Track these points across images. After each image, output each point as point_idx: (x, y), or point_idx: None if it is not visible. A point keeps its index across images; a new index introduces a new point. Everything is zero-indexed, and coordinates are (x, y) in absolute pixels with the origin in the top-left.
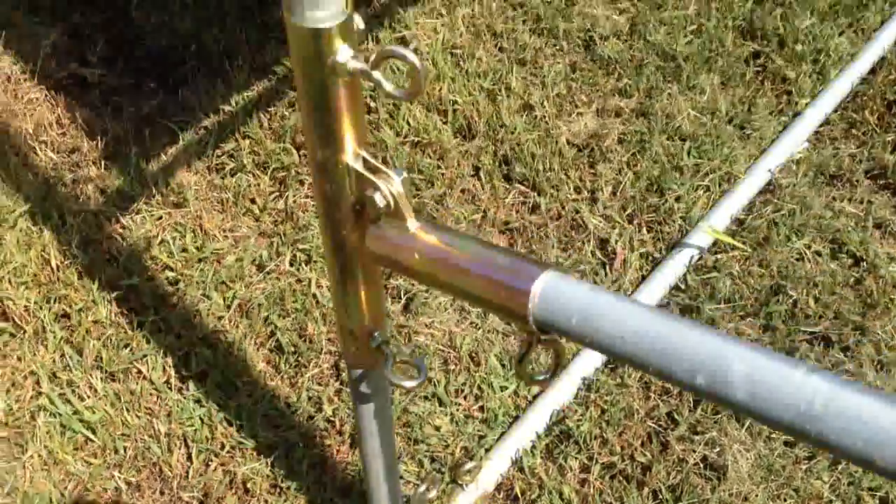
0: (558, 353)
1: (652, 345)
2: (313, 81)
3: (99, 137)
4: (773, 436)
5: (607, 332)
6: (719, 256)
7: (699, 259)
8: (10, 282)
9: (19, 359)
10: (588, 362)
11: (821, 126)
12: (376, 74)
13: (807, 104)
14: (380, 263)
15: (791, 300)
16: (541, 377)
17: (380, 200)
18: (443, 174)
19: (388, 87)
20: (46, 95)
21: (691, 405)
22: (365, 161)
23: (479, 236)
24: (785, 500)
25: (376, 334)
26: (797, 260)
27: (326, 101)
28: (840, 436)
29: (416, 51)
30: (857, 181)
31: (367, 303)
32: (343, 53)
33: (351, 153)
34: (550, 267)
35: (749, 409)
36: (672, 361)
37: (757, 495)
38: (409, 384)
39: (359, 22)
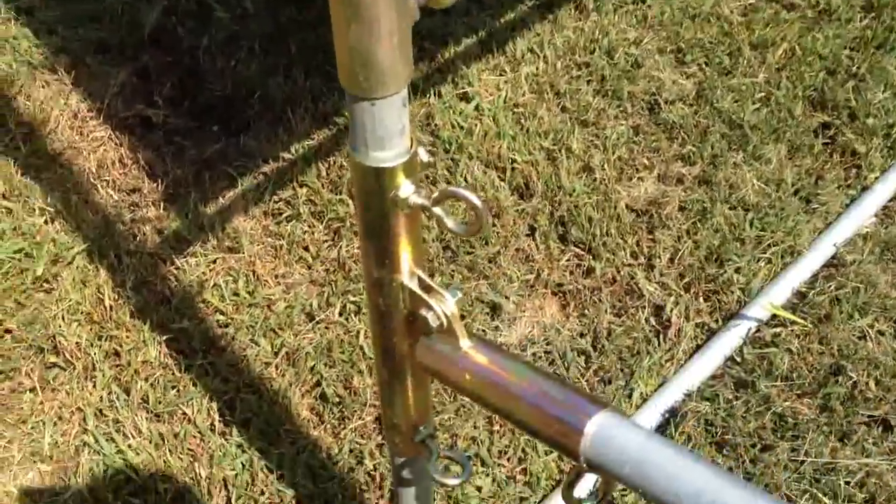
0: (608, 483)
1: None
2: (373, 211)
3: (160, 179)
4: None
5: (661, 488)
6: (778, 331)
7: (757, 332)
8: (63, 318)
9: (68, 394)
10: None
11: (890, 201)
12: (437, 210)
13: (876, 178)
14: (429, 374)
15: (851, 381)
16: (588, 503)
17: (433, 320)
18: (498, 233)
19: (451, 224)
20: (111, 134)
21: None
22: (420, 280)
23: (534, 363)
24: None
25: (421, 428)
26: (859, 339)
27: (386, 230)
28: None
29: (477, 107)
30: None
31: (415, 401)
32: (405, 189)
33: (407, 273)
34: (607, 406)
35: None
36: None
37: None
38: (452, 482)
39: (423, 155)
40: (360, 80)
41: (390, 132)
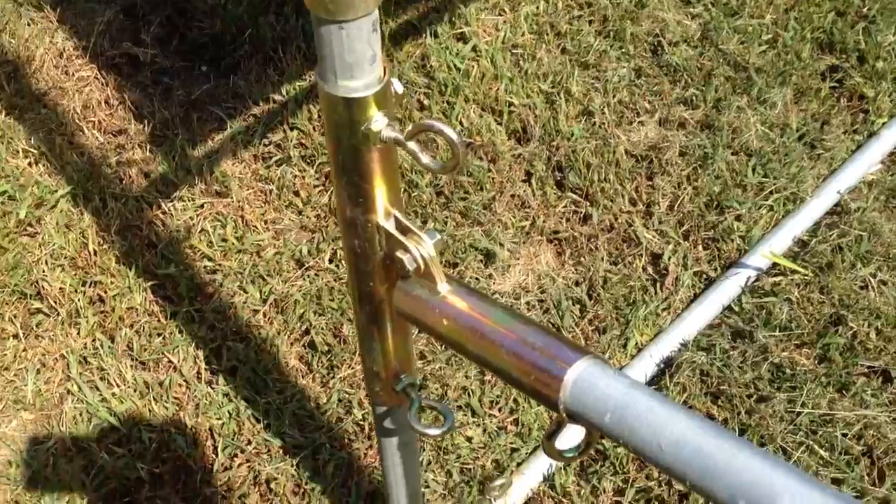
0: (590, 434)
1: (691, 459)
2: (345, 146)
3: (146, 120)
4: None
5: (643, 437)
6: (778, 280)
7: (756, 281)
8: (47, 263)
9: (51, 340)
10: None
11: None
12: (411, 145)
13: (883, 124)
14: (406, 320)
15: (851, 331)
16: (570, 454)
17: (409, 263)
18: (493, 178)
19: (425, 159)
20: (97, 74)
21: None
22: (397, 221)
23: (514, 308)
24: None
25: (402, 377)
26: (861, 288)
27: (358, 166)
28: None
29: (474, 48)
30: None
31: (394, 348)
32: (378, 122)
33: (382, 213)
34: (589, 353)
35: None
36: (712, 480)
37: None
38: (433, 432)
39: (397, 87)
40: (325, 1)
41: (360, 59)
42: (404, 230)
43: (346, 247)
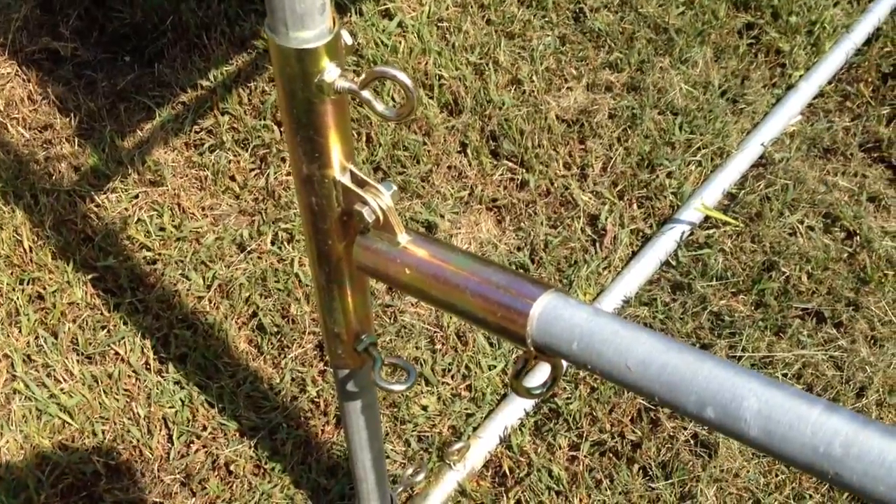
0: (556, 368)
1: (659, 375)
2: (298, 100)
3: (72, 113)
4: None
5: (610, 360)
6: (711, 232)
7: (690, 235)
8: None
9: None
10: None
11: (815, 99)
12: (365, 94)
13: (800, 77)
14: (367, 274)
15: (783, 276)
16: (537, 391)
17: (368, 215)
18: (429, 151)
19: (380, 107)
20: (18, 70)
21: None
22: (353, 174)
23: (476, 252)
24: (776, 476)
25: (363, 337)
26: (790, 235)
27: (313, 119)
28: (862, 480)
29: (400, 24)
30: (851, 154)
31: (354, 307)
32: (331, 73)
33: (338, 167)
34: (551, 287)
35: (763, 446)
36: (680, 394)
37: (748, 471)
38: (397, 388)
39: (346, 38)
40: None
41: (310, 8)
42: (361, 183)
43: (302, 206)
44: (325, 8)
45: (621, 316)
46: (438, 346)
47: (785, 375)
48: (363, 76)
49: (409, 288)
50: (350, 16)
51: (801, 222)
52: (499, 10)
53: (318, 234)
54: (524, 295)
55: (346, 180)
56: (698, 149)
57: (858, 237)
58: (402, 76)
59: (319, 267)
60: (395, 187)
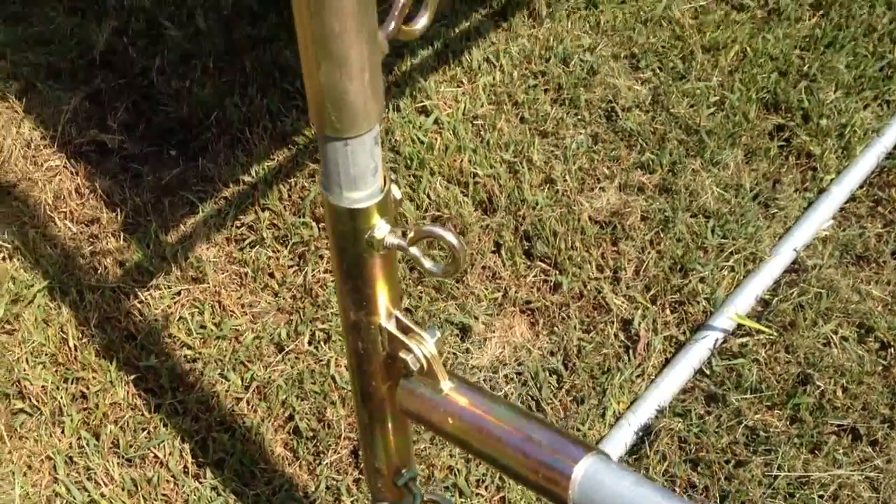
0: None
1: None
2: (349, 253)
3: (118, 208)
4: None
5: None
6: (745, 341)
7: (724, 343)
8: (27, 361)
9: (36, 441)
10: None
11: (846, 203)
12: (413, 251)
13: (832, 180)
14: (410, 418)
15: (818, 390)
16: None
17: (412, 363)
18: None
19: (427, 264)
20: (66, 163)
21: (717, 500)
22: (398, 321)
23: (518, 404)
24: None
25: (403, 472)
26: (824, 346)
27: (362, 272)
28: None
29: (436, 121)
30: (884, 262)
31: (396, 445)
32: (381, 229)
33: (384, 314)
34: (593, 450)
35: None
36: None
37: None
38: None
39: (396, 193)
40: (332, 120)
41: (363, 171)
42: (405, 330)
43: (348, 349)
44: (378, 169)
45: (655, 429)
46: (472, 456)
47: (821, 496)
48: (411, 234)
49: (451, 437)
50: (388, 112)
51: (836, 332)
52: (532, 108)
53: (363, 376)
54: (567, 456)
55: (391, 327)
56: (731, 253)
57: (893, 349)
58: (450, 236)
59: (363, 406)
60: (438, 334)
